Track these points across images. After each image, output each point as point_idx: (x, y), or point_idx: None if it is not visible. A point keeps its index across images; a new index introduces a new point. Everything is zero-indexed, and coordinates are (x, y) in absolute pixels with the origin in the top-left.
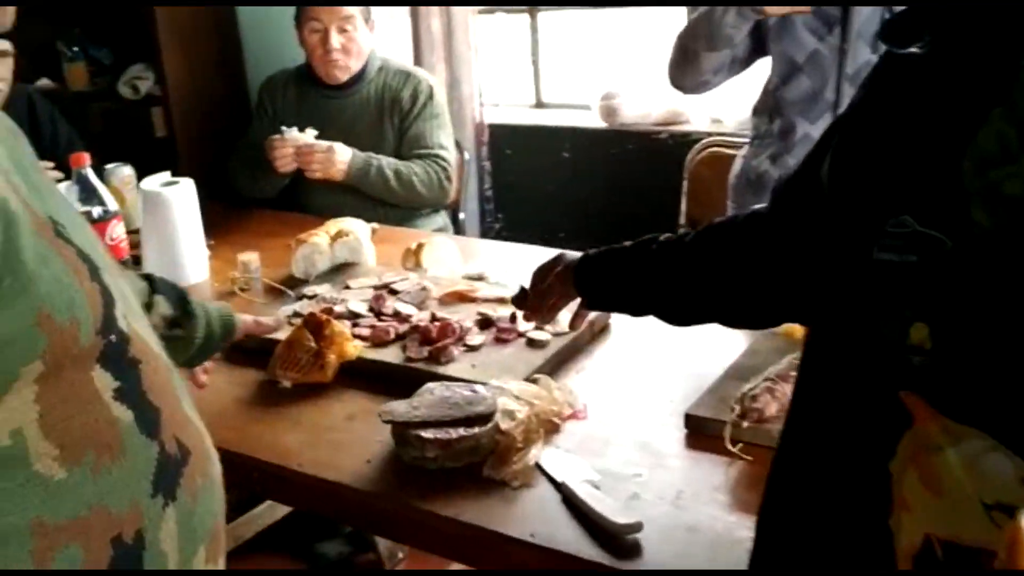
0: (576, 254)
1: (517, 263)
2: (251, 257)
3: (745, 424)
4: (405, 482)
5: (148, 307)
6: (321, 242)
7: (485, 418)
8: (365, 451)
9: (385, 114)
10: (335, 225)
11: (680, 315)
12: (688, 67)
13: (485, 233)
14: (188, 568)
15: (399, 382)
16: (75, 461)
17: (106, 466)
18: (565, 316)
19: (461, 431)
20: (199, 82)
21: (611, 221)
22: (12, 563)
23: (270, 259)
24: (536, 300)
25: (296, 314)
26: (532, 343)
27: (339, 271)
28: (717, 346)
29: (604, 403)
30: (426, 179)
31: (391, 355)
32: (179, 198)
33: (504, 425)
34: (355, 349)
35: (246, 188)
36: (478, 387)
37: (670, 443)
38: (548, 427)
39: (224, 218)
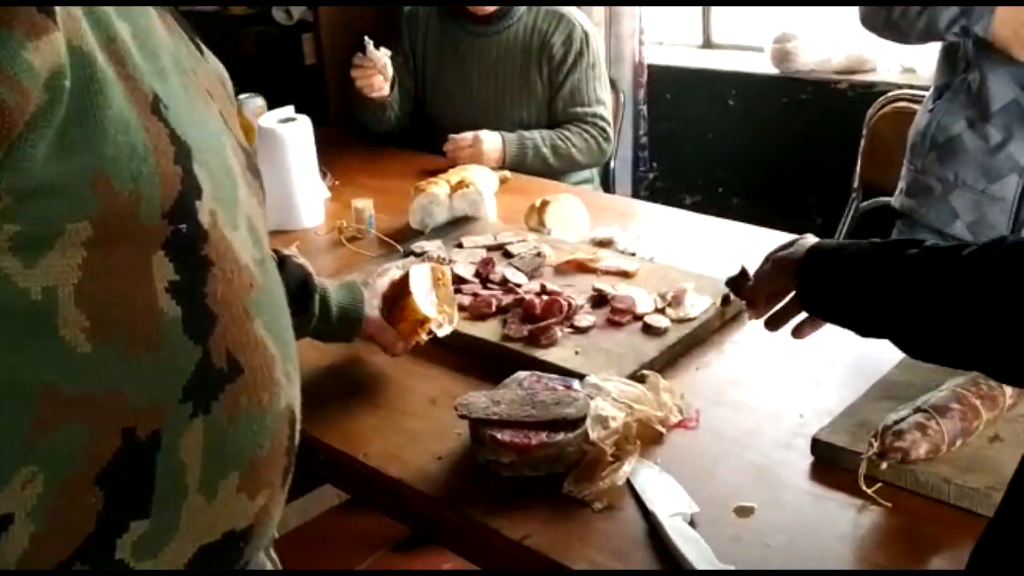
0: (813, 240)
1: (658, 228)
2: (365, 204)
3: (884, 465)
4: (473, 488)
5: None
6: (439, 193)
7: (573, 423)
8: (440, 445)
9: (534, 60)
10: (458, 174)
11: (930, 350)
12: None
13: (637, 184)
14: (211, 486)
15: (493, 362)
16: (104, 339)
17: (137, 354)
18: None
19: (543, 436)
20: (351, 10)
21: (777, 178)
22: (5, 425)
23: (389, 205)
24: (755, 287)
25: None
26: (648, 329)
27: (456, 225)
28: (867, 353)
29: (720, 411)
30: (585, 148)
31: (489, 330)
32: (294, 136)
33: (594, 434)
34: (424, 334)
35: (365, 123)
36: (574, 383)
37: (791, 472)
38: (648, 436)
39: (354, 156)
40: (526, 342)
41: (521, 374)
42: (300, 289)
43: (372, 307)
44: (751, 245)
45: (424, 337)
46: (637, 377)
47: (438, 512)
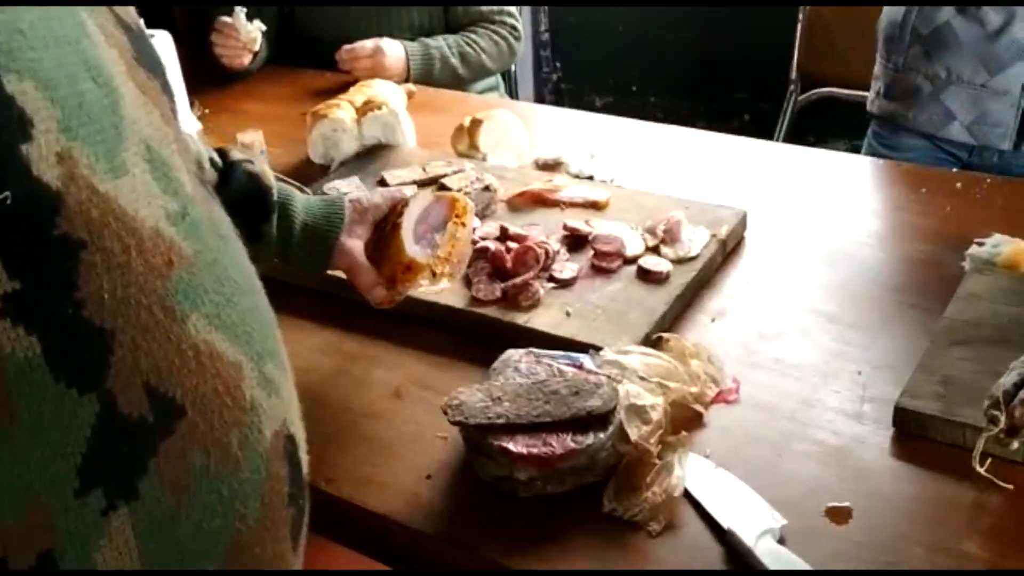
0: None
1: (600, 139)
2: (253, 138)
3: (1015, 444)
4: (483, 517)
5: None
6: (344, 117)
7: (602, 419)
8: (424, 457)
9: None
10: (361, 92)
11: None
12: None
13: (540, 86)
14: None
15: (463, 334)
16: None
17: None
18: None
19: (568, 441)
20: None
21: (699, 72)
22: None
23: (280, 136)
24: None
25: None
26: (646, 275)
27: (370, 156)
28: (893, 282)
29: (759, 375)
30: (495, 52)
31: (451, 294)
32: None
33: (634, 432)
34: (410, 284)
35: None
36: (584, 359)
37: (875, 452)
38: (684, 420)
39: (222, 76)
40: (502, 305)
41: (513, 353)
42: (253, 207)
43: (355, 234)
44: (716, 155)
45: (410, 288)
46: (652, 342)
47: (439, 554)
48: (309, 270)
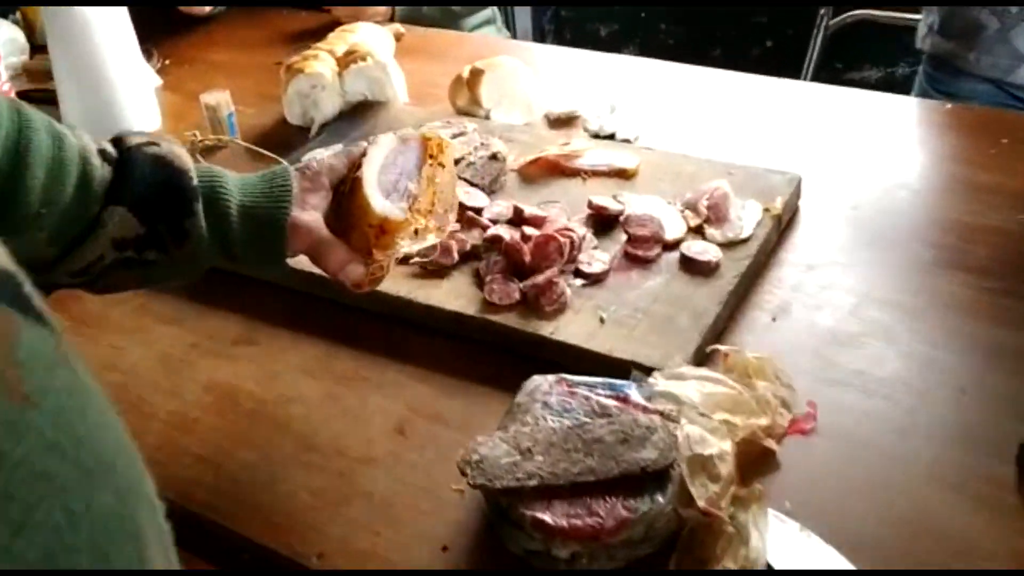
0: None
1: (619, 85)
2: (218, 99)
3: None
4: None
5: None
6: (324, 72)
7: (659, 477)
8: (437, 520)
9: None
10: (342, 39)
11: None
12: None
13: (538, 18)
14: None
15: (476, 346)
16: None
17: None
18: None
19: (619, 508)
20: None
21: None
22: None
23: (250, 93)
24: None
25: None
26: (690, 265)
27: (355, 116)
28: (987, 248)
29: (839, 393)
30: None
31: (457, 294)
32: (100, 14)
33: (699, 492)
34: (390, 249)
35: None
36: (629, 388)
37: (992, 498)
38: (753, 458)
39: (184, 25)
40: (521, 310)
41: (540, 382)
42: (168, 200)
43: (310, 206)
44: (753, 101)
45: (392, 254)
46: (705, 355)
47: None
48: (262, 263)
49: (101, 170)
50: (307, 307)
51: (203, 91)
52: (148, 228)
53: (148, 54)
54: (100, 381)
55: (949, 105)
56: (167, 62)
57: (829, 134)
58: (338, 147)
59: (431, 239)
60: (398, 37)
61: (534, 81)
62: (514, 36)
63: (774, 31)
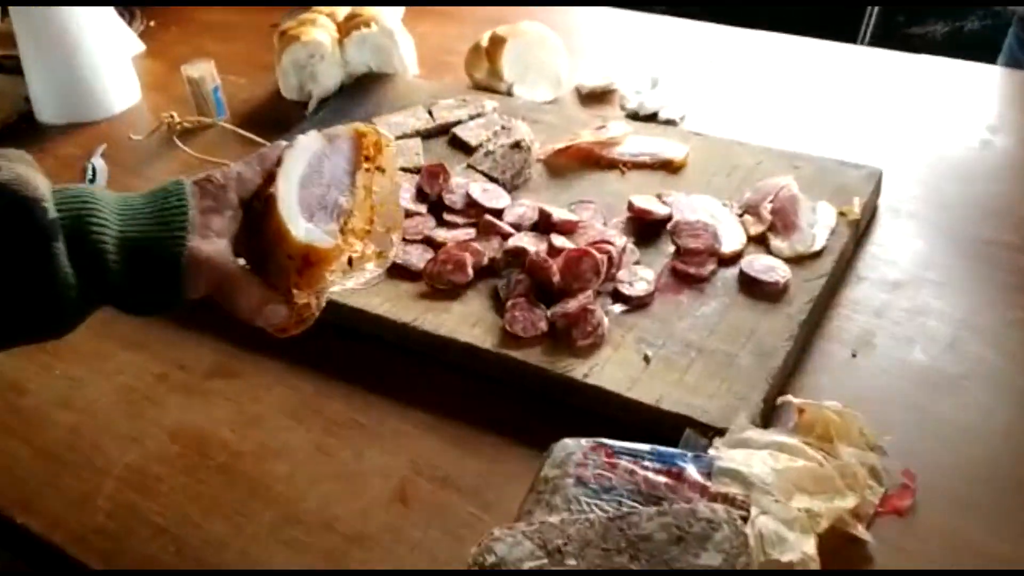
0: None
1: (660, 52)
2: (203, 71)
3: None
4: None
5: None
6: (323, 39)
7: None
8: None
9: None
10: None
11: None
12: None
13: None
14: None
15: (493, 385)
16: None
17: None
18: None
19: None
20: None
21: None
22: None
23: (244, 60)
24: None
25: None
26: (754, 285)
27: (358, 91)
28: None
29: (941, 447)
30: None
31: (471, 321)
32: None
33: None
34: (321, 288)
35: None
36: (683, 461)
37: None
38: (840, 551)
39: None
40: (548, 344)
41: (573, 448)
42: (18, 238)
43: (214, 230)
44: (815, 69)
45: (322, 290)
46: (773, 408)
47: None
48: (155, 309)
49: None
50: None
51: (191, 57)
52: None
53: (130, 15)
54: (51, 423)
55: None
56: (151, 24)
57: (905, 112)
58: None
59: (371, 270)
60: None
61: (563, 50)
62: None
63: None
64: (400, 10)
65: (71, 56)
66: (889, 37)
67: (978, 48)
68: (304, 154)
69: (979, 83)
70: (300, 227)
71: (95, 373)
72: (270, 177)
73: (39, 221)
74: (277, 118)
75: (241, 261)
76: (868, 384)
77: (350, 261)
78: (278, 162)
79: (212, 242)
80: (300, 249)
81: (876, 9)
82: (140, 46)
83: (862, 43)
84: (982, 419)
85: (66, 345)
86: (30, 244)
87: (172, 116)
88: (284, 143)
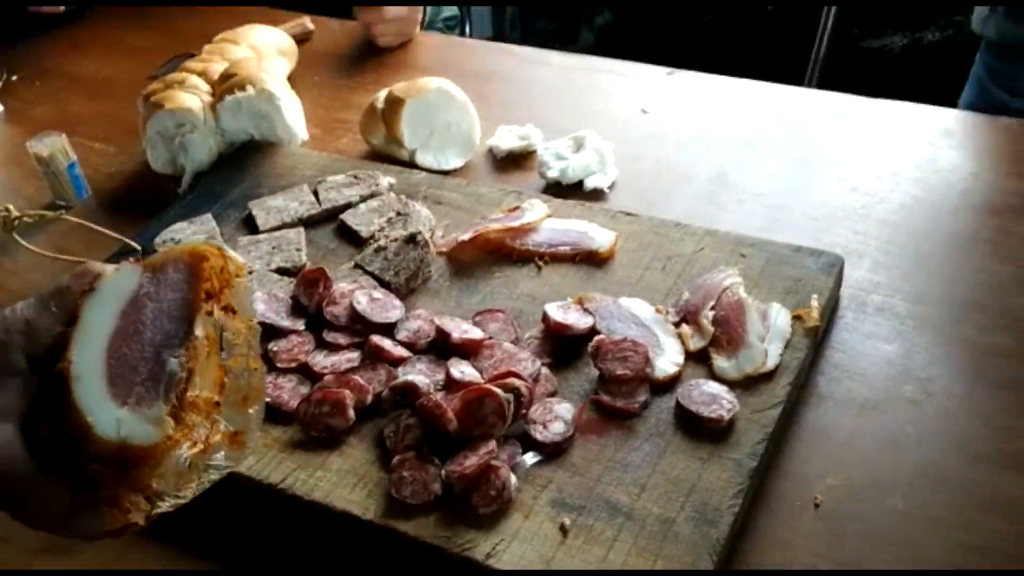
0: None
1: (586, 99)
2: (52, 147)
3: None
4: None
5: None
6: (193, 106)
7: None
8: None
9: None
10: (219, 52)
11: None
12: None
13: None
14: None
15: (381, 562)
16: None
17: None
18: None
19: None
20: None
21: None
22: None
23: (116, 124)
24: None
25: None
26: (692, 421)
27: (237, 165)
28: None
29: None
30: None
31: (353, 484)
32: None
33: None
34: (141, 507)
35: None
36: None
37: None
38: None
39: (41, 26)
40: (444, 514)
41: None
42: None
43: None
44: (760, 116)
45: (162, 497)
46: None
47: None
48: None
49: None
50: None
51: (54, 120)
52: None
53: None
54: None
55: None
56: (14, 78)
57: (864, 172)
58: (207, 218)
59: (222, 464)
60: (304, 37)
61: (472, 109)
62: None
63: None
64: (289, 64)
65: None
66: (844, 52)
67: (939, 62)
68: (113, 301)
69: (944, 129)
70: (108, 418)
71: None
72: (65, 331)
73: None
74: (147, 197)
75: (31, 447)
76: (834, 544)
77: (196, 450)
78: (75, 313)
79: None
80: (111, 449)
81: (830, 23)
82: None
83: (816, 56)
84: None
85: None
86: None
87: (8, 210)
88: (94, 269)
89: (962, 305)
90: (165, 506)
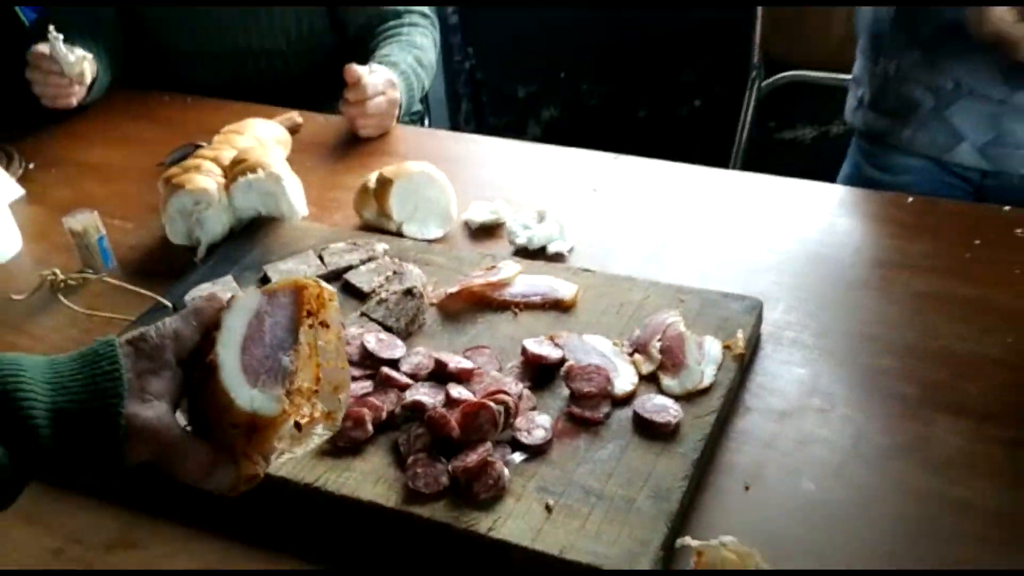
0: None
1: (544, 179)
2: (85, 223)
3: None
4: None
5: None
6: (209, 187)
7: None
8: None
9: None
10: (229, 142)
11: None
12: None
13: (453, 77)
14: None
15: (401, 541)
16: None
17: None
18: None
19: None
20: None
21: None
22: None
23: (132, 203)
24: None
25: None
26: (647, 427)
27: (247, 237)
28: (978, 382)
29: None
30: (432, 49)
31: (375, 481)
32: None
33: None
34: (268, 454)
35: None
36: None
37: None
38: None
39: (52, 119)
40: (452, 501)
41: None
42: None
43: (151, 392)
44: (695, 196)
45: (270, 454)
46: (674, 552)
47: None
48: (92, 479)
49: None
50: (196, 496)
51: (73, 202)
52: None
53: (7, 157)
54: None
55: (911, 199)
56: (31, 166)
57: (776, 235)
58: (228, 279)
59: (320, 434)
60: (295, 129)
61: (449, 188)
62: (427, 110)
63: (703, 90)
64: (285, 151)
65: None
66: (763, 141)
67: (841, 149)
68: (243, 314)
69: (840, 200)
70: (244, 394)
71: None
72: (208, 334)
73: None
74: (167, 265)
75: (183, 420)
76: (761, 516)
77: (298, 426)
78: (216, 324)
79: (151, 406)
80: (245, 418)
81: (750, 116)
82: (18, 191)
83: (737, 147)
84: (869, 546)
85: None
86: None
87: (55, 273)
88: (220, 295)
89: (857, 337)
90: (280, 460)
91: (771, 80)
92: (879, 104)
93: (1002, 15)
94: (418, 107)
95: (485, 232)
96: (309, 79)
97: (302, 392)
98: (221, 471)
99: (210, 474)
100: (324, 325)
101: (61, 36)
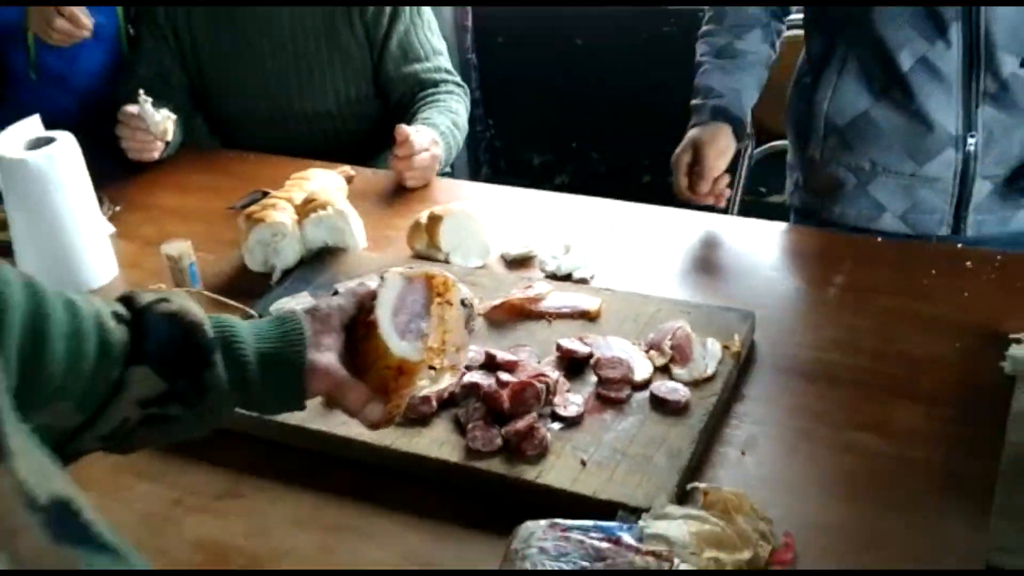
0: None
1: (567, 222)
2: (180, 250)
3: None
4: None
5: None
6: (285, 220)
7: None
8: None
9: (340, 16)
10: (299, 187)
11: None
12: None
13: (475, 146)
14: None
15: (461, 494)
16: None
17: None
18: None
19: None
20: None
21: (644, 124)
22: None
23: (207, 237)
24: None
25: None
26: (661, 404)
27: (317, 263)
28: (926, 375)
29: (811, 516)
30: (463, 112)
31: (440, 441)
32: (56, 166)
33: None
34: (408, 388)
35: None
36: (621, 531)
37: None
38: None
39: (132, 170)
40: (504, 456)
41: (534, 528)
42: (186, 356)
43: (325, 347)
44: (694, 236)
45: (408, 394)
46: (685, 493)
47: None
48: (282, 407)
49: (117, 333)
50: (289, 458)
51: (157, 237)
52: (169, 384)
53: (99, 201)
54: None
55: (880, 239)
56: (118, 208)
57: (773, 267)
58: (304, 296)
59: (447, 379)
60: (349, 180)
61: (488, 225)
62: (452, 173)
63: None
64: (345, 190)
65: (58, 238)
66: (753, 204)
67: None
68: (392, 290)
69: (819, 242)
70: (397, 344)
71: (115, 502)
72: (363, 309)
73: (203, 338)
74: (245, 288)
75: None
76: (755, 474)
77: (433, 371)
78: (373, 296)
79: (325, 355)
80: (397, 361)
81: (742, 183)
82: (110, 228)
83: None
84: (837, 487)
85: (85, 480)
86: (197, 355)
87: (161, 288)
88: (373, 281)
89: (832, 342)
90: (419, 395)
91: (761, 149)
92: (810, 184)
93: (680, 188)
94: (447, 169)
95: (519, 263)
96: (356, 141)
97: (433, 350)
98: (374, 404)
99: (366, 406)
100: (449, 304)
101: (150, 100)
